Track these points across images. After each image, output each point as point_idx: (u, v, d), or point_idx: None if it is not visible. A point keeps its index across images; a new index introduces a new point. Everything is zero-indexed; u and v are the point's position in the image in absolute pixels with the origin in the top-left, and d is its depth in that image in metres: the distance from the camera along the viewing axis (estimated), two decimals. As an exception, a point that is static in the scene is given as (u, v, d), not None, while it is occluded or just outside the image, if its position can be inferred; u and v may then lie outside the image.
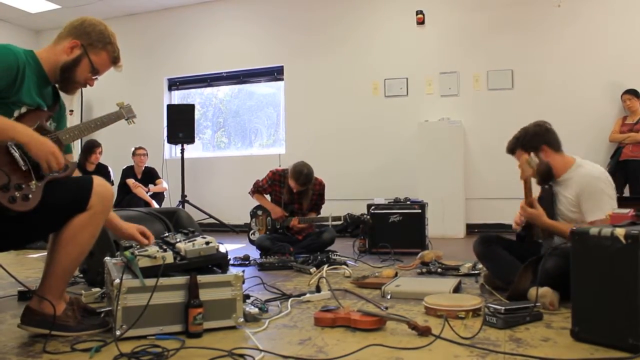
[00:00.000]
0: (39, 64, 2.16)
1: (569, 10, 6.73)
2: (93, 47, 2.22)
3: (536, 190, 2.94)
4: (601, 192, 2.74)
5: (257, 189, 5.19)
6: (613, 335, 1.86)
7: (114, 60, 2.32)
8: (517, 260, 2.85)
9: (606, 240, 1.89)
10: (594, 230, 1.94)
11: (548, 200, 2.92)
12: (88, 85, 2.32)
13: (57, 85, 2.29)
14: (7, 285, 3.30)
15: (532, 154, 2.79)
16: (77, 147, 7.38)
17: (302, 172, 4.79)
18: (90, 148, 6.54)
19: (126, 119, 2.52)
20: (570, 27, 6.75)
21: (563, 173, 2.91)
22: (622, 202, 4.81)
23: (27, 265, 4.32)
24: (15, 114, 2.04)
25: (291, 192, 4.97)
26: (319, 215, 5.12)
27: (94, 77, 2.30)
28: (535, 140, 2.94)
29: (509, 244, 3.07)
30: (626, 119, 6.28)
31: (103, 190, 2.15)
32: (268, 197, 5.24)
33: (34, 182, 1.98)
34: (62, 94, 2.35)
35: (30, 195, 1.96)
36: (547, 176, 2.94)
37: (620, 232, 1.85)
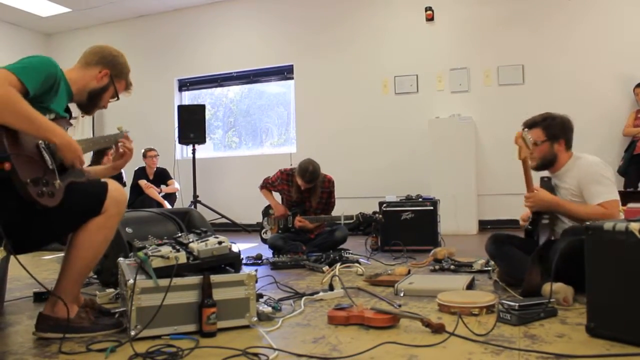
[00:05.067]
0: (67, 82, 2.28)
1: (580, 3, 6.68)
2: (117, 76, 2.45)
3: (535, 178, 2.98)
4: (601, 176, 2.82)
5: (265, 185, 5.21)
6: (629, 331, 1.85)
7: (127, 87, 2.55)
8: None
9: (621, 235, 1.87)
10: (608, 225, 1.92)
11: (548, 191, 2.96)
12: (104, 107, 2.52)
13: (80, 106, 2.43)
14: (23, 287, 3.33)
15: (525, 130, 2.88)
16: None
17: (308, 169, 4.78)
18: (102, 150, 6.57)
19: None
20: (581, 20, 6.70)
21: (562, 167, 2.99)
22: (636, 196, 4.78)
23: (42, 267, 4.35)
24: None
25: (300, 190, 4.97)
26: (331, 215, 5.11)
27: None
28: (560, 130, 2.99)
29: (520, 242, 3.07)
30: (639, 112, 6.22)
31: (117, 194, 2.21)
32: (277, 195, 5.25)
33: (58, 181, 2.04)
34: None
35: (55, 193, 2.02)
36: (548, 165, 3.02)
37: (635, 226, 1.83)
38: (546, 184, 3.04)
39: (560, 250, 2.45)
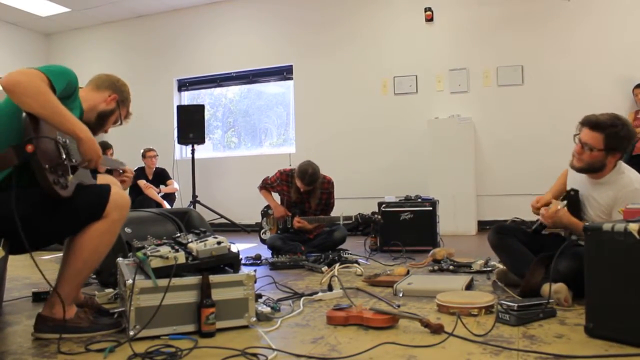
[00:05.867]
0: (79, 99, 2.37)
1: (579, 4, 6.68)
2: (123, 103, 2.60)
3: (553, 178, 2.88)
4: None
5: (265, 186, 5.20)
6: (628, 331, 1.85)
7: (127, 115, 2.70)
8: (531, 253, 2.82)
9: (619, 236, 1.87)
10: (607, 226, 1.93)
11: (572, 207, 2.79)
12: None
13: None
14: (21, 287, 3.33)
15: (563, 203, 2.74)
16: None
17: (307, 172, 4.78)
18: (102, 150, 6.57)
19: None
20: (580, 21, 6.70)
21: (604, 176, 2.76)
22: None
23: (40, 267, 4.34)
24: None
25: (299, 191, 4.97)
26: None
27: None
28: (622, 143, 2.71)
29: (524, 235, 3.01)
30: (638, 113, 6.22)
31: (119, 198, 2.22)
32: (277, 196, 5.24)
33: (70, 176, 2.10)
34: None
35: (68, 185, 2.07)
36: (593, 172, 2.76)
37: (633, 227, 1.83)
38: (572, 197, 2.83)
39: (560, 271, 2.45)
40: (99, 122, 2.52)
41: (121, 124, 2.65)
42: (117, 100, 2.54)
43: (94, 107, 2.48)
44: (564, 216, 2.75)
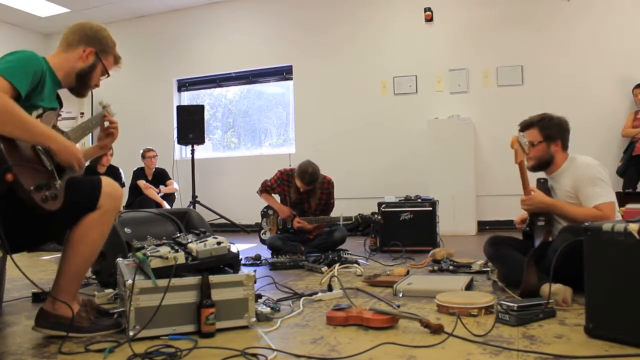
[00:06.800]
0: (52, 70, 2.23)
1: (579, 4, 6.69)
2: (104, 52, 2.36)
3: (532, 179, 3.00)
4: (597, 177, 2.82)
5: (265, 189, 5.19)
6: (628, 332, 1.85)
7: (117, 61, 2.47)
8: None
9: (619, 236, 1.87)
10: (607, 226, 1.93)
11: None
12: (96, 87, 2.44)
13: (71, 90, 2.37)
14: (21, 287, 3.33)
15: (521, 133, 2.94)
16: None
17: (307, 171, 4.78)
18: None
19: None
20: (580, 21, 6.70)
21: (558, 168, 2.99)
22: (635, 197, 4.78)
23: (39, 267, 4.35)
24: (34, 115, 2.08)
25: (299, 191, 4.97)
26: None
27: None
28: (557, 130, 2.99)
29: (519, 244, 3.07)
30: (638, 113, 6.22)
31: (112, 189, 2.21)
32: (277, 197, 5.24)
33: (58, 182, 2.04)
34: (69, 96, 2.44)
35: (57, 195, 2.02)
36: (545, 166, 3.02)
37: (633, 227, 1.83)
38: (542, 185, 3.04)
39: (559, 249, 2.45)
40: (81, 83, 2.33)
41: (109, 75, 2.42)
42: (95, 52, 2.31)
43: (71, 70, 2.29)
44: (539, 196, 2.90)
